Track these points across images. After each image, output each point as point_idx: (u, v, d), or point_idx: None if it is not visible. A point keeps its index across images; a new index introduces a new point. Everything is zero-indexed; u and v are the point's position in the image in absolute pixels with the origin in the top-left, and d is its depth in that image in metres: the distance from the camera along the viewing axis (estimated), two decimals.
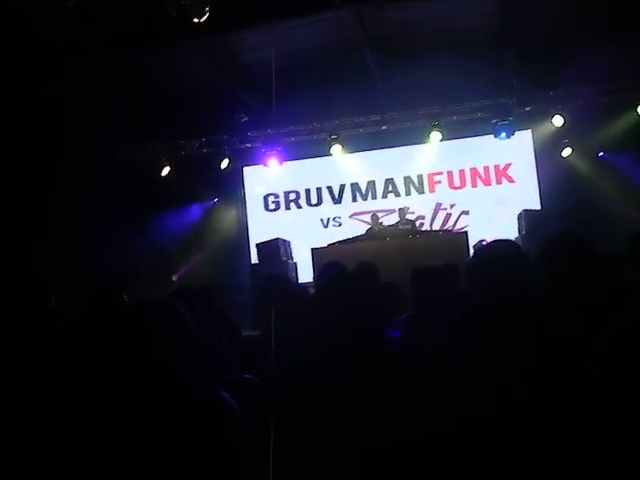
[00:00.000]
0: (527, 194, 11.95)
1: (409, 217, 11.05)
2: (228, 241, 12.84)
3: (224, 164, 12.30)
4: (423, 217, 12.19)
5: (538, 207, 11.61)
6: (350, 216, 12.69)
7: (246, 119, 12.05)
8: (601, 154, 11.52)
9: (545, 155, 11.93)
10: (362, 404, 2.09)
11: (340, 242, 10.05)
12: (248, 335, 4.17)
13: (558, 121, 11.14)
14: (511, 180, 12.35)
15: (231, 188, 13.00)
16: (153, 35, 8.52)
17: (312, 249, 9.92)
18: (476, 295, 2.55)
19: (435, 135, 11.63)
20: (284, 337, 2.31)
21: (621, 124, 11.11)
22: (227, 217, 13.06)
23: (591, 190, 11.27)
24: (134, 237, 11.24)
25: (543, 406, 2.06)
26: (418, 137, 11.94)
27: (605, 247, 3.22)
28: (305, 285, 7.53)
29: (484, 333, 2.35)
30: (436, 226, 12.13)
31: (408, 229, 10.29)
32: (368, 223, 11.00)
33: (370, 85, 11.02)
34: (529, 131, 12.01)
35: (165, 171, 12.24)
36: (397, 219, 10.77)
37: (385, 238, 9.65)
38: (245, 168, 13.09)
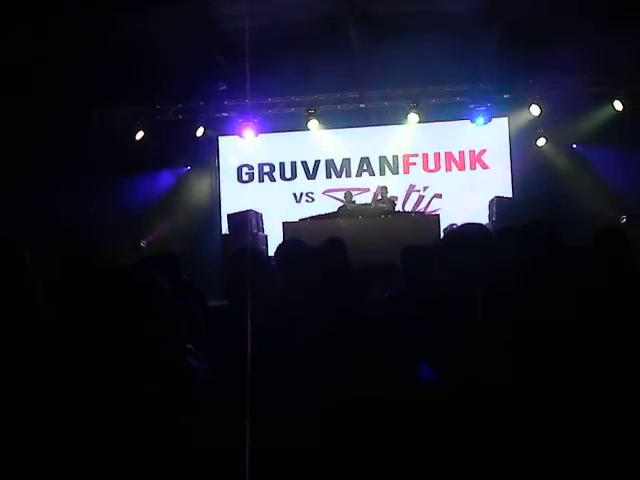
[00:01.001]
0: (500, 181, 12.05)
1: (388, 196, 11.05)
2: (199, 210, 12.75)
3: (199, 132, 12.18)
4: (396, 198, 12.22)
5: (510, 195, 11.72)
6: (323, 192, 12.68)
7: (224, 88, 11.90)
8: (575, 146, 11.64)
9: (520, 143, 12.02)
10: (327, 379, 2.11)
11: (312, 218, 10.06)
12: (214, 305, 4.16)
13: (535, 110, 11.23)
14: (485, 166, 12.43)
15: (205, 157, 12.88)
16: None
17: (283, 223, 9.93)
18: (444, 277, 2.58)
19: (413, 116, 11.64)
20: (252, 310, 2.31)
21: (597, 117, 11.23)
22: (200, 186, 12.95)
23: (563, 181, 11.42)
24: (104, 201, 11.12)
25: (506, 392, 2.10)
26: (396, 117, 11.94)
27: (571, 238, 3.26)
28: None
29: (450, 315, 2.39)
30: (408, 207, 12.19)
31: (381, 209, 10.32)
32: (341, 200, 11.02)
33: (351, 62, 10.95)
34: (506, 119, 12.07)
35: (139, 135, 12.07)
36: (373, 197, 10.79)
37: (357, 216, 9.67)
38: (220, 137, 12.97)
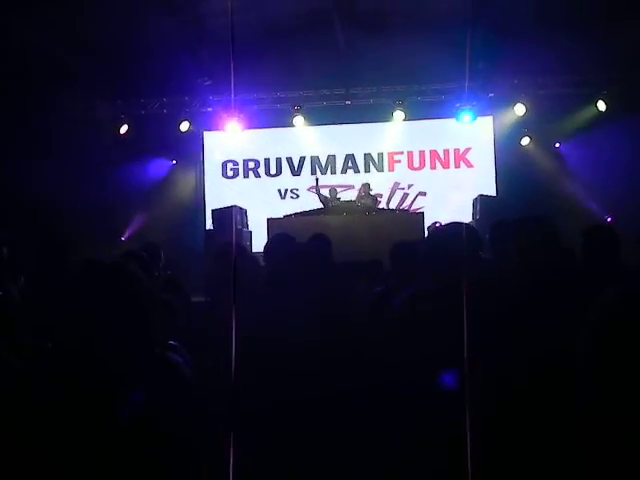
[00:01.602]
0: (484, 179, 12.10)
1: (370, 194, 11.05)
2: (183, 205, 12.68)
3: (184, 127, 12.14)
4: (380, 195, 12.20)
5: (494, 193, 11.77)
6: (308, 189, 12.65)
7: (209, 83, 11.84)
8: (557, 145, 11.71)
9: (504, 142, 12.07)
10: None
11: (297, 214, 10.03)
12: (198, 302, 4.14)
13: (520, 110, 11.29)
14: (469, 165, 12.48)
15: (190, 151, 12.80)
16: None
17: (268, 219, 9.90)
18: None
19: (398, 114, 11.67)
20: (237, 306, 2.30)
21: (580, 117, 11.30)
22: (184, 181, 12.88)
23: (546, 180, 11.48)
24: (88, 194, 11.02)
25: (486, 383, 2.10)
26: (381, 115, 11.97)
27: None
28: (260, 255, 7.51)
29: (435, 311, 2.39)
30: (393, 205, 12.21)
31: (366, 206, 10.31)
32: (326, 197, 10.98)
33: (337, 59, 10.94)
34: (490, 117, 12.12)
35: (124, 129, 12.01)
36: (357, 194, 10.78)
37: (342, 213, 9.66)
38: (205, 132, 12.91)
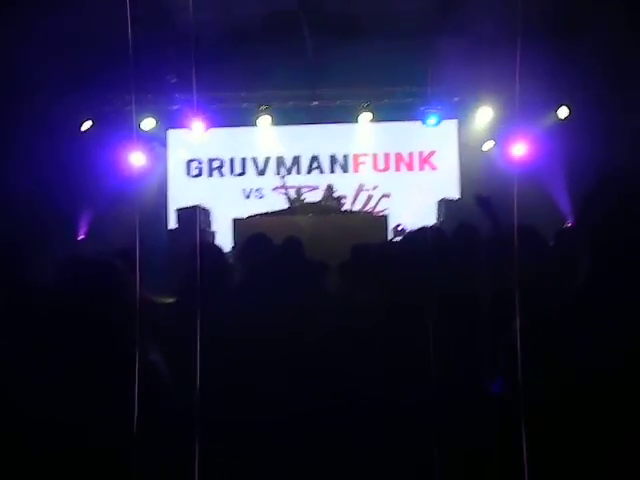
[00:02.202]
0: (448, 183, 12.21)
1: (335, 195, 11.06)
2: (146, 204, 12.49)
3: (148, 124, 11.99)
4: (345, 197, 12.21)
5: (457, 196, 11.89)
6: (273, 189, 12.61)
7: (175, 80, 11.73)
8: (517, 148, 11.78)
9: (468, 146, 12.20)
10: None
11: (262, 214, 9.99)
12: (165, 301, 4.07)
13: (484, 114, 11.41)
14: (433, 167, 12.58)
15: (153, 149, 12.65)
16: None
17: (234, 219, 9.84)
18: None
19: (364, 116, 11.71)
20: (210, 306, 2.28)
21: (543, 123, 11.46)
22: (147, 179, 12.70)
23: (507, 183, 11.61)
24: (47, 191, 10.82)
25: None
26: (347, 116, 11.99)
27: None
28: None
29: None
30: (357, 207, 12.24)
31: (331, 207, 10.33)
32: (292, 198, 10.95)
33: (304, 60, 10.95)
34: (455, 121, 12.23)
35: (86, 125, 11.82)
36: (322, 196, 10.79)
37: (308, 214, 9.65)
38: (170, 130, 12.78)
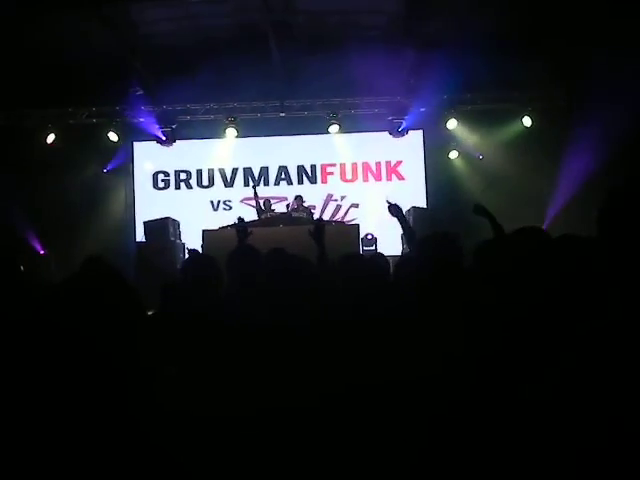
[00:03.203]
0: (415, 192, 12.34)
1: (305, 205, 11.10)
2: (113, 217, 12.40)
3: (113, 137, 11.89)
4: (314, 207, 12.27)
5: (424, 205, 12.03)
6: (241, 200, 12.61)
7: (141, 92, 11.67)
8: (481, 157, 12.02)
9: (434, 155, 12.36)
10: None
11: (232, 226, 9.95)
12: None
13: (451, 124, 11.58)
14: (401, 177, 12.70)
15: (119, 162, 12.51)
16: None
17: (203, 231, 9.79)
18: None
19: (332, 127, 11.79)
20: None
21: (507, 132, 11.71)
22: (113, 192, 12.57)
23: (472, 191, 11.85)
24: (11, 204, 10.67)
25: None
26: (315, 127, 12.07)
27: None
28: None
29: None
30: (326, 216, 12.28)
31: (301, 217, 10.36)
32: (261, 209, 10.96)
33: (271, 72, 10.99)
34: (421, 131, 12.38)
35: (50, 139, 11.68)
36: (290, 206, 10.81)
37: (278, 225, 9.67)
38: (136, 143, 12.67)
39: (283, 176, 12.74)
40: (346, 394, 2.13)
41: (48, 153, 11.69)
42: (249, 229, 4.06)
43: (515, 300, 2.28)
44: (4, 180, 10.32)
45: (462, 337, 2.25)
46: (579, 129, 10.47)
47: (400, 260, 4.10)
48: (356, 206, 12.54)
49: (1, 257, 3.62)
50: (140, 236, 11.29)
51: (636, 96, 9.27)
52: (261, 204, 10.67)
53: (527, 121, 11.42)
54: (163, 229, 10.44)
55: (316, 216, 11.73)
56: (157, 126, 12.10)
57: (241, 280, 2.65)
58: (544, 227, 10.74)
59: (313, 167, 12.73)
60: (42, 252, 11.79)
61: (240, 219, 4.91)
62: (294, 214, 10.50)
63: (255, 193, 10.84)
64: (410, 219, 10.45)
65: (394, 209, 4.11)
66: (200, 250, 9.24)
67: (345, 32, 10.14)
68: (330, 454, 2.06)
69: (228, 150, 12.58)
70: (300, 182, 12.71)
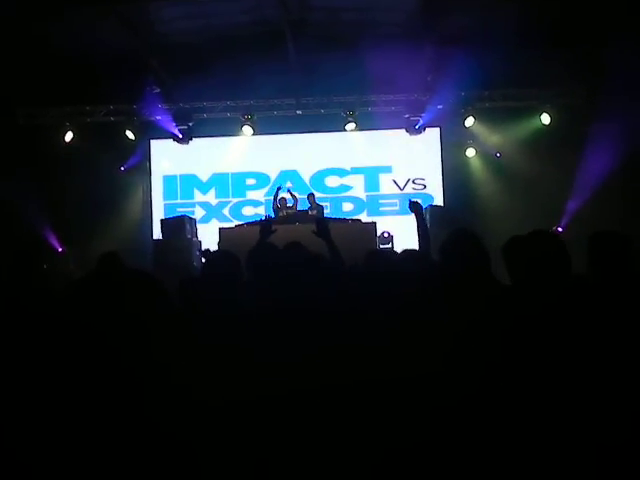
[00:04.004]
0: (432, 190, 12.28)
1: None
2: (130, 215, 12.44)
3: (131, 135, 11.93)
4: (328, 205, 12.12)
5: (441, 203, 11.97)
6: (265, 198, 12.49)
7: (157, 90, 11.70)
8: (499, 155, 11.94)
9: (451, 153, 12.27)
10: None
11: (248, 224, 9.97)
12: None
13: (469, 121, 11.49)
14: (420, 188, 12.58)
15: (137, 160, 12.54)
16: None
17: (220, 229, 9.83)
18: None
19: (348, 125, 11.74)
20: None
21: (525, 129, 11.61)
22: (131, 190, 12.61)
23: (488, 189, 11.81)
24: (31, 202, 10.74)
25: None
26: (331, 125, 12.01)
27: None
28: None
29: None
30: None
31: (313, 216, 10.33)
32: (278, 207, 10.93)
33: (287, 69, 10.98)
34: (438, 129, 12.29)
35: (68, 137, 11.75)
36: (307, 205, 10.79)
37: (295, 223, 9.65)
38: (152, 141, 12.69)
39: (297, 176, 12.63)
40: (354, 387, 2.12)
41: (66, 151, 11.77)
42: (273, 227, 4.03)
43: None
44: (23, 178, 10.38)
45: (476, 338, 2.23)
46: (598, 126, 10.39)
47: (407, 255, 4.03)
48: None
49: (25, 255, 3.65)
50: (157, 234, 11.34)
51: None
52: (278, 203, 10.67)
53: (545, 118, 11.32)
54: (180, 227, 10.46)
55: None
56: (174, 124, 12.12)
57: (260, 275, 2.65)
58: (562, 225, 10.68)
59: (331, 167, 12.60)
60: (60, 250, 11.85)
61: (267, 217, 4.89)
62: (310, 212, 10.49)
63: (277, 193, 10.82)
64: (427, 217, 10.42)
65: (415, 206, 4.11)
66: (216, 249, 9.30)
67: (362, 29, 10.08)
68: (333, 444, 2.05)
69: (244, 149, 12.51)
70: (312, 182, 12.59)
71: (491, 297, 2.39)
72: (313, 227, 3.98)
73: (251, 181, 12.65)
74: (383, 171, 12.55)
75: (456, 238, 2.94)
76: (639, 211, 10.05)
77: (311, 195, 10.92)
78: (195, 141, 12.38)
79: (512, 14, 9.12)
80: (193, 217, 11.20)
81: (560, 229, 10.53)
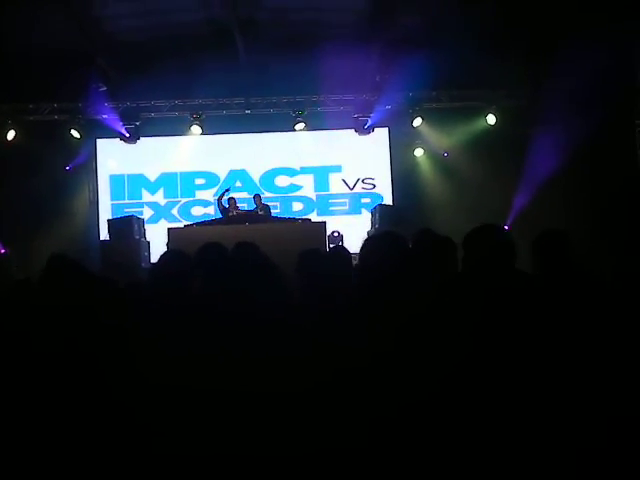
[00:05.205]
0: (381, 189, 12.39)
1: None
2: (76, 215, 12.19)
3: (76, 133, 11.69)
4: (276, 205, 12.09)
5: (390, 202, 12.09)
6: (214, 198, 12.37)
7: (104, 88, 11.49)
8: (446, 154, 12.12)
9: (399, 153, 12.38)
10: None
11: (197, 224, 9.91)
12: None
13: (417, 122, 11.62)
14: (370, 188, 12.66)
15: (83, 159, 12.28)
16: None
17: (168, 229, 9.73)
18: None
19: (298, 124, 11.75)
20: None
21: (471, 129, 11.82)
22: (77, 189, 12.35)
23: (437, 188, 11.99)
24: None
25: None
26: (281, 125, 12.00)
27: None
28: None
29: None
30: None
31: (265, 215, 10.35)
32: (225, 207, 10.86)
33: (237, 68, 10.95)
34: (386, 129, 12.38)
35: (11, 135, 11.45)
36: (253, 205, 10.77)
37: (244, 222, 9.64)
38: (99, 140, 12.45)
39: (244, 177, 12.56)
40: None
41: (9, 150, 11.47)
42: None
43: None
44: None
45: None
46: (541, 128, 10.66)
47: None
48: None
49: None
50: (104, 235, 11.15)
51: (597, 97, 9.48)
52: (226, 203, 10.61)
53: (491, 119, 11.54)
54: (128, 227, 10.31)
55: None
56: (120, 123, 11.93)
57: (209, 273, 2.63)
58: (508, 223, 10.92)
59: (279, 167, 12.58)
60: (2, 251, 11.54)
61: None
62: (257, 212, 10.49)
63: (223, 194, 10.75)
64: (376, 217, 10.54)
65: None
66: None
67: (311, 29, 10.14)
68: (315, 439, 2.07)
69: (191, 148, 12.39)
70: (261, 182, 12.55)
71: (423, 294, 2.42)
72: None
73: (200, 181, 12.54)
74: (333, 171, 12.57)
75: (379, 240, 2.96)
76: (580, 209, 10.37)
77: (257, 196, 10.89)
78: (143, 140, 12.21)
79: (458, 16, 9.28)
80: (141, 217, 11.06)
81: (507, 227, 10.75)
